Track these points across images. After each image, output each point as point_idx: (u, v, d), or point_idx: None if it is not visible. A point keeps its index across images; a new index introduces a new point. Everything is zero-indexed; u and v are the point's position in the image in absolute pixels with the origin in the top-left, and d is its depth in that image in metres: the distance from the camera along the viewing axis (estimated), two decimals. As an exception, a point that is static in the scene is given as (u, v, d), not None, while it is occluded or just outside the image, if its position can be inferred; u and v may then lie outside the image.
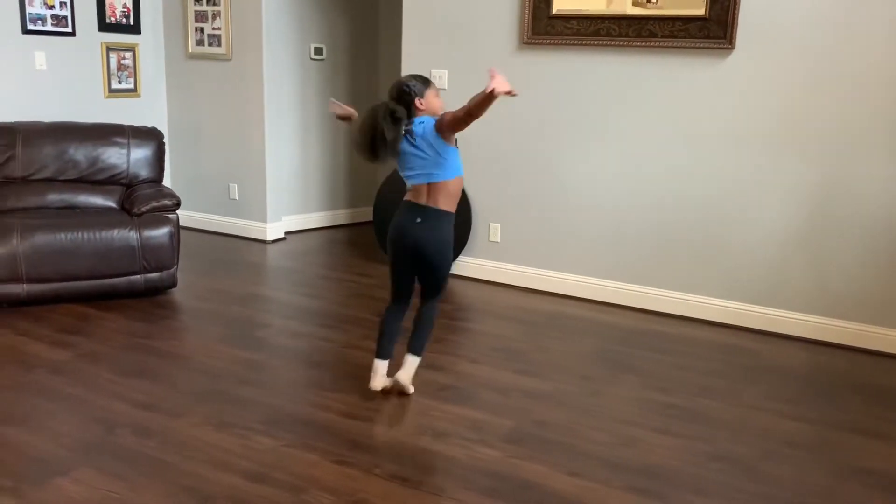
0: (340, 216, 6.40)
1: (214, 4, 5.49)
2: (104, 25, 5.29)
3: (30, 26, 4.84)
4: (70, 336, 3.58)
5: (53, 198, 4.33)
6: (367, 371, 3.15)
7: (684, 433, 2.86)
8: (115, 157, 4.50)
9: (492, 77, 2.51)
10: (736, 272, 4.09)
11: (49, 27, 4.95)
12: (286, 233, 5.88)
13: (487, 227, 4.75)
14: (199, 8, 5.56)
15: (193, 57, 5.68)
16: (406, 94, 2.81)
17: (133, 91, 5.59)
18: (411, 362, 3.02)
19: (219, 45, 5.54)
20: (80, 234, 3.93)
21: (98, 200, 4.43)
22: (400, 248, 2.90)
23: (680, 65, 4.06)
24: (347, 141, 6.27)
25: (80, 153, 4.43)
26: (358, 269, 4.99)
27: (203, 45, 5.61)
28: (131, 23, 5.49)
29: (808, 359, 3.71)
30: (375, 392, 3.04)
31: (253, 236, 5.70)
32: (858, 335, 3.85)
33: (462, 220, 4.51)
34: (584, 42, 4.24)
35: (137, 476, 2.41)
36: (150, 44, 5.69)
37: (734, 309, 4.12)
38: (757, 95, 3.90)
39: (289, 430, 2.74)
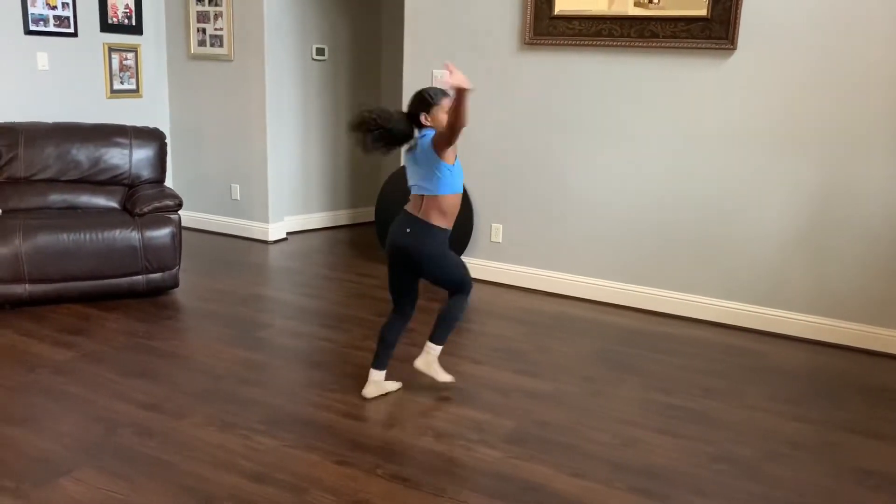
0: (342, 216, 6.40)
1: (216, 5, 5.49)
2: (106, 26, 5.30)
3: (32, 27, 4.85)
4: (72, 336, 3.59)
5: (55, 198, 4.34)
6: (368, 372, 3.17)
7: (686, 434, 2.86)
8: (117, 157, 4.50)
9: (449, 73, 2.48)
10: (737, 272, 4.09)
11: (51, 28, 4.96)
12: (288, 233, 5.88)
13: (489, 227, 4.76)
14: (201, 8, 5.57)
15: (195, 57, 5.69)
16: (423, 103, 2.80)
17: (135, 91, 5.60)
18: (427, 349, 3.04)
19: (221, 45, 5.54)
20: (82, 235, 3.94)
21: (100, 201, 4.43)
22: (393, 253, 2.92)
23: (681, 65, 4.06)
24: (349, 141, 6.27)
25: (82, 154, 4.44)
26: (359, 270, 4.99)
27: (205, 45, 5.62)
28: (133, 23, 5.50)
29: (810, 359, 3.71)
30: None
31: (254, 237, 5.70)
32: (860, 336, 3.85)
33: (463, 221, 4.52)
34: (585, 43, 4.24)
35: (139, 476, 2.41)
36: (152, 44, 5.69)
37: (735, 309, 4.12)
38: (758, 96, 3.90)
39: (290, 431, 2.74)
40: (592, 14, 4.19)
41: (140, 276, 4.11)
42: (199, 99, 5.75)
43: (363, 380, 3.11)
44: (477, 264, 4.78)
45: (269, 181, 5.58)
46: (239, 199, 5.73)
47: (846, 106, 3.72)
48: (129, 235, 4.04)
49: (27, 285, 3.86)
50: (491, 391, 3.16)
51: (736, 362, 3.61)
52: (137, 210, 4.16)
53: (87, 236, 3.95)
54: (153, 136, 4.63)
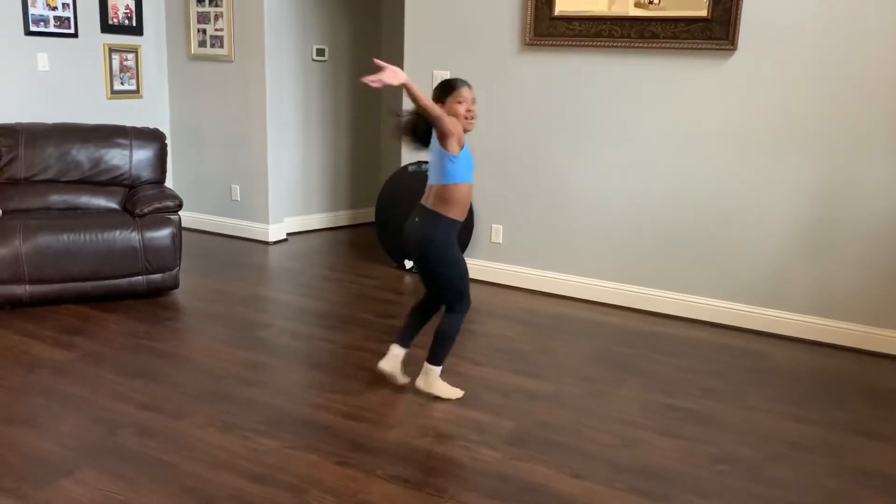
0: (342, 217, 6.40)
1: (217, 6, 5.49)
2: (107, 27, 5.30)
3: (32, 27, 4.85)
4: (72, 337, 3.58)
5: (56, 199, 4.34)
6: (369, 372, 3.16)
7: (687, 435, 2.86)
8: (117, 158, 4.50)
9: (382, 70, 2.58)
10: (737, 273, 4.08)
11: (52, 28, 4.96)
12: (288, 234, 5.88)
13: (489, 228, 4.75)
14: (201, 9, 5.57)
15: (196, 58, 5.69)
16: (439, 93, 2.89)
17: (135, 92, 5.60)
18: (425, 370, 3.04)
19: (221, 46, 5.55)
20: (82, 236, 3.94)
21: (100, 201, 4.43)
22: (406, 242, 2.99)
23: (682, 66, 4.06)
24: (349, 142, 6.28)
25: (82, 154, 4.44)
26: (359, 271, 4.99)
27: (205, 46, 5.62)
28: (134, 24, 5.50)
29: (810, 360, 3.71)
30: (377, 393, 3.05)
31: (255, 237, 5.70)
32: (861, 337, 3.84)
33: (463, 221, 4.50)
34: (586, 43, 4.24)
35: (139, 477, 2.41)
36: (153, 45, 5.69)
37: (737, 310, 4.11)
38: (758, 96, 3.90)
39: (290, 431, 2.74)
40: (593, 15, 4.19)
41: (140, 277, 4.10)
42: (199, 100, 5.75)
43: (363, 380, 3.11)
44: (477, 265, 4.77)
45: (269, 182, 5.58)
46: (239, 199, 5.73)
47: (847, 106, 3.72)
48: (129, 236, 4.04)
49: (27, 286, 3.86)
50: (491, 392, 3.16)
51: (736, 363, 3.61)
52: (138, 211, 4.16)
53: (88, 237, 3.95)
54: (153, 137, 4.63)
